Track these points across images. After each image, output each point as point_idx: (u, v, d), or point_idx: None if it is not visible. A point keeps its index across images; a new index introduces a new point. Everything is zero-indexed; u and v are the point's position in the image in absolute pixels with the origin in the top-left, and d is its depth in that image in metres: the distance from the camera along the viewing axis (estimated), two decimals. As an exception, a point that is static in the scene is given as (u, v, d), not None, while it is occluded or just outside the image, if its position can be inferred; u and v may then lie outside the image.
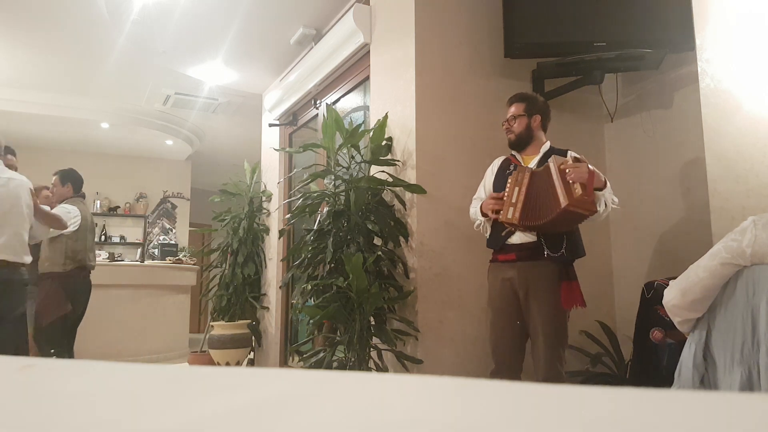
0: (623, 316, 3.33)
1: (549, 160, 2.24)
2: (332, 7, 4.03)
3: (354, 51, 3.74)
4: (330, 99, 4.32)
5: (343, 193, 3.04)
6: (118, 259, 6.74)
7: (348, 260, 2.63)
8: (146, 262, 6.69)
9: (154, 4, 4.00)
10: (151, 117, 6.91)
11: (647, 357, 2.73)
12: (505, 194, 2.31)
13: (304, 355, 3.03)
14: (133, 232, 8.33)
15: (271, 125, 5.29)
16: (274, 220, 5.09)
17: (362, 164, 3.16)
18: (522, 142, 2.46)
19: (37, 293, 3.68)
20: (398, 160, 3.12)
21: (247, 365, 4.92)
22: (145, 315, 5.73)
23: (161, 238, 8.41)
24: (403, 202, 3.03)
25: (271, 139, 5.44)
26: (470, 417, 0.26)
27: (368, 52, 3.65)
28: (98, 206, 8.02)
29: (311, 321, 2.87)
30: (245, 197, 5.20)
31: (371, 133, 3.09)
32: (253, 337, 5.04)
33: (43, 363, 0.38)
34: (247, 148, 6.89)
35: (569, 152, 2.38)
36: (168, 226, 8.57)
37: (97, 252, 6.71)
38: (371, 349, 2.80)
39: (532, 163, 2.42)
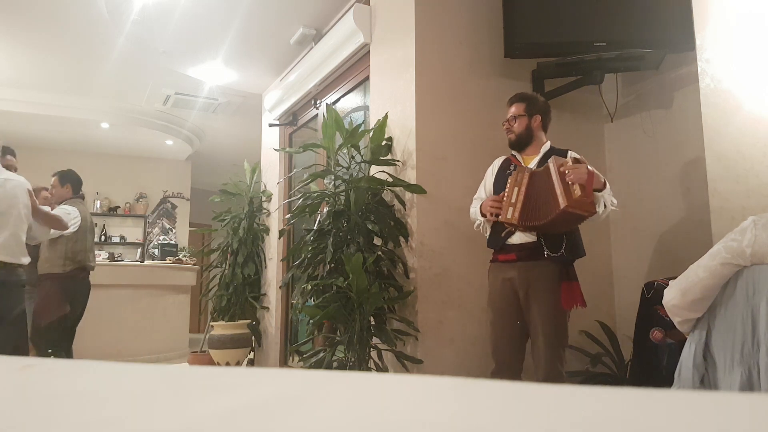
0: (623, 316, 3.33)
1: (549, 160, 2.24)
2: (332, 7, 4.03)
3: (354, 51, 3.74)
4: (330, 99, 4.32)
5: (343, 193, 3.04)
6: (118, 259, 6.74)
7: (348, 260, 2.63)
8: (146, 262, 6.69)
9: (154, 4, 4.00)
10: (151, 117, 6.91)
11: (647, 357, 2.73)
12: (505, 194, 2.31)
13: (304, 355, 3.03)
14: (133, 232, 8.33)
15: (271, 125, 5.29)
16: (274, 220, 5.09)
17: (362, 164, 3.16)
18: (522, 143, 2.46)
19: (36, 294, 3.68)
20: (398, 160, 3.12)
21: (247, 365, 4.92)
22: (145, 315, 5.73)
23: (161, 238, 8.41)
24: (403, 202, 3.03)
25: (271, 139, 5.44)
26: (470, 417, 0.26)
27: (368, 52, 3.65)
28: (98, 206, 8.02)
29: (311, 321, 2.87)
30: (245, 197, 5.20)
31: (371, 133, 3.09)
32: (253, 337, 5.04)
33: (43, 363, 0.38)
34: (247, 148, 6.89)
35: (569, 152, 2.38)
36: (168, 226, 8.57)
37: (97, 252, 6.72)
38: (371, 349, 2.80)
39: (533, 163, 2.42)
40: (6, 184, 3.09)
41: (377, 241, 2.99)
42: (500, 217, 2.30)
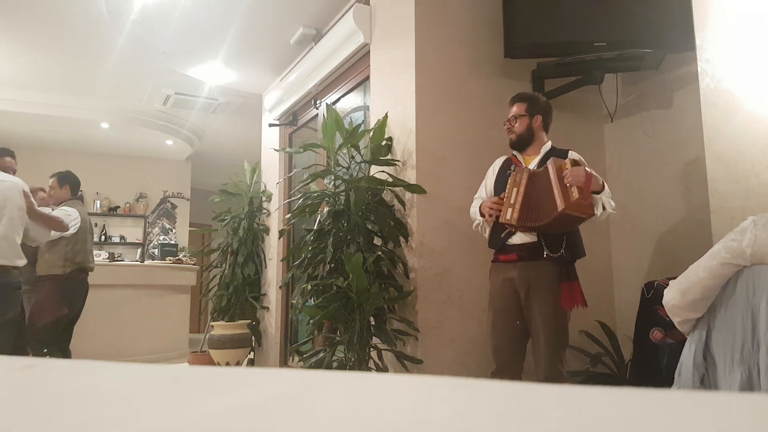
0: (623, 316, 3.33)
1: (547, 162, 2.25)
2: (332, 7, 4.03)
3: (354, 51, 3.74)
4: (330, 99, 4.32)
5: (343, 193, 3.04)
6: (118, 259, 6.74)
7: (348, 260, 2.63)
8: (146, 262, 6.69)
9: (154, 4, 4.00)
10: (151, 117, 6.91)
11: (647, 357, 2.73)
12: (505, 195, 2.32)
13: (304, 355, 3.03)
14: (133, 232, 8.32)
15: (271, 125, 5.29)
16: (274, 220, 5.09)
17: (362, 164, 3.16)
18: (523, 143, 2.46)
19: (35, 295, 3.68)
20: (398, 160, 3.12)
21: (247, 365, 4.92)
22: (145, 315, 5.73)
23: (161, 238, 8.41)
24: (403, 202, 3.03)
25: (271, 139, 5.44)
26: (470, 417, 0.26)
27: (368, 52, 3.65)
28: (98, 206, 8.02)
29: (311, 321, 2.87)
30: (245, 197, 5.20)
31: (371, 133, 3.09)
32: (253, 337, 5.04)
33: (43, 363, 0.38)
34: (247, 148, 6.89)
35: (570, 152, 2.39)
36: (168, 226, 8.57)
37: (97, 252, 6.73)
38: (371, 349, 2.80)
39: (533, 164, 2.43)
40: None
41: (377, 241, 2.99)
42: (500, 217, 2.30)
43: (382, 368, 2.83)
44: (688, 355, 1.61)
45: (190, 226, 8.78)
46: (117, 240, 8.13)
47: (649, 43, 2.99)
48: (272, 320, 4.90)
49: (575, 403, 0.28)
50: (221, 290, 5.02)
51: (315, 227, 3.14)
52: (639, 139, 3.39)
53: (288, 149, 4.97)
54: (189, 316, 6.58)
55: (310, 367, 2.84)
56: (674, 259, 3.10)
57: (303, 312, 3.15)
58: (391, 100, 3.26)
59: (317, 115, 4.56)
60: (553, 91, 3.27)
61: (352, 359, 2.70)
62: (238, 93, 5.82)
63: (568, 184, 2.13)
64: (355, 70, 3.95)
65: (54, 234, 3.62)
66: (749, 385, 1.43)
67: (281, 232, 4.33)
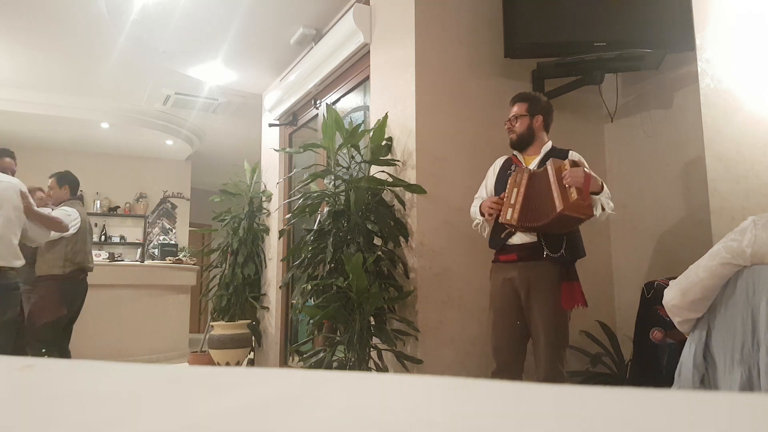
0: (623, 316, 3.33)
1: (547, 162, 2.25)
2: (332, 7, 4.03)
3: (354, 51, 3.74)
4: (330, 99, 4.32)
5: (343, 193, 3.04)
6: (118, 259, 6.74)
7: (348, 260, 2.63)
8: (146, 262, 6.69)
9: (154, 4, 4.00)
10: (151, 117, 6.91)
11: (647, 357, 2.73)
12: (505, 195, 2.32)
13: (304, 355, 3.03)
14: (133, 232, 8.32)
15: (271, 125, 5.29)
16: (274, 220, 5.09)
17: (362, 164, 3.16)
18: (523, 143, 2.46)
19: (34, 294, 3.67)
20: (398, 160, 3.12)
21: (247, 365, 4.92)
22: (145, 315, 5.73)
23: (161, 238, 8.41)
24: (403, 202, 3.03)
25: (271, 139, 5.44)
26: (470, 417, 0.26)
27: (368, 52, 3.65)
28: (98, 206, 8.02)
29: (311, 321, 2.87)
30: (245, 197, 5.20)
31: (371, 133, 3.09)
32: (253, 337, 5.04)
33: (43, 363, 0.38)
34: (247, 148, 6.89)
35: (570, 152, 2.39)
36: (168, 226, 8.57)
37: (97, 252, 6.72)
38: (371, 349, 2.80)
39: (533, 164, 2.43)
40: None
41: (377, 241, 2.99)
42: (500, 217, 2.31)
43: (382, 368, 2.83)
44: (688, 355, 1.61)
45: (190, 226, 8.78)
46: (117, 240, 8.13)
47: (649, 43, 2.99)
48: (272, 320, 4.90)
49: (575, 403, 0.28)
50: (221, 290, 5.02)
51: (315, 227, 3.14)
52: (639, 139, 3.39)
53: (288, 149, 4.97)
54: (189, 316, 6.58)
55: (310, 367, 2.84)
56: (674, 259, 3.10)
57: (303, 312, 3.15)
58: (391, 100, 3.26)
59: (317, 115, 4.56)
60: (553, 91, 3.27)
61: (352, 359, 2.70)
62: (238, 93, 5.82)
63: (567, 185, 2.14)
64: (355, 70, 3.95)
65: (53, 234, 3.61)
66: (749, 385, 1.43)
67: (281, 232, 4.33)
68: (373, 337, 2.81)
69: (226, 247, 5.15)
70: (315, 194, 3.17)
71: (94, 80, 5.84)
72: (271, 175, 5.30)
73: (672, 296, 1.65)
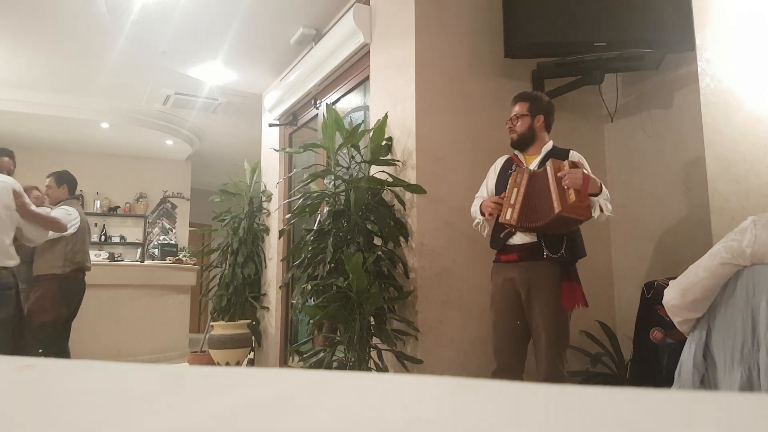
0: (623, 316, 3.33)
1: (546, 163, 2.25)
2: (332, 7, 4.03)
3: (354, 51, 3.74)
4: (330, 99, 4.32)
5: (343, 193, 3.04)
6: (118, 259, 6.74)
7: (348, 260, 2.63)
8: (146, 262, 6.69)
9: (154, 4, 4.00)
10: (151, 117, 6.91)
11: (647, 357, 2.73)
12: (505, 195, 2.32)
13: (304, 355, 3.03)
14: (133, 232, 8.32)
15: (271, 125, 5.29)
16: (274, 220, 5.09)
17: (362, 164, 3.16)
18: (524, 142, 2.46)
19: (33, 294, 3.66)
20: (398, 160, 3.12)
21: (247, 365, 4.92)
22: (145, 315, 5.73)
23: (161, 238, 8.41)
24: (403, 202, 3.03)
25: (271, 139, 5.44)
26: (470, 417, 0.26)
27: (368, 52, 3.65)
28: (98, 206, 8.02)
29: (311, 321, 2.87)
30: (245, 197, 5.20)
31: (371, 133, 3.09)
32: (253, 337, 5.04)
33: (43, 363, 0.38)
34: (247, 148, 6.89)
35: (571, 152, 2.39)
36: (168, 226, 8.57)
37: (97, 252, 6.73)
38: (371, 349, 2.80)
39: (534, 164, 2.43)
40: None
41: (377, 241, 2.99)
42: (500, 217, 2.31)
43: (382, 368, 2.83)
44: (688, 355, 1.61)
45: (190, 226, 8.78)
46: (117, 240, 8.13)
47: (649, 43, 2.99)
48: (272, 320, 4.90)
49: (575, 403, 0.28)
50: (221, 290, 5.02)
51: (315, 227, 3.13)
52: (639, 139, 3.39)
53: (288, 149, 4.97)
54: (189, 316, 6.58)
55: (310, 367, 2.84)
56: (674, 259, 3.10)
57: (303, 312, 3.15)
58: (391, 100, 3.26)
59: (317, 115, 4.56)
60: (553, 91, 3.26)
61: (352, 359, 2.70)
62: (238, 93, 5.82)
63: (565, 187, 2.14)
64: (355, 70, 3.95)
65: (51, 234, 3.60)
66: (749, 385, 1.43)
67: (281, 232, 4.33)
68: (373, 337, 2.81)
69: (226, 247, 5.15)
70: (315, 194, 3.17)
71: (94, 80, 5.84)
72: (271, 175, 5.30)
73: (672, 296, 1.65)
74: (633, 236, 3.38)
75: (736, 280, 1.52)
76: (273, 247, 5.02)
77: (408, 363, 2.75)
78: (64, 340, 3.88)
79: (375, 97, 3.48)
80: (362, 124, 3.54)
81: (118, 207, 8.25)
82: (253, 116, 5.99)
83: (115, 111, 6.72)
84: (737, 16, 2.07)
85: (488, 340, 2.49)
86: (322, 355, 2.82)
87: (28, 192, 3.61)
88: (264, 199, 5.29)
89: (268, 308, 4.99)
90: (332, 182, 3.13)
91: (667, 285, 1.71)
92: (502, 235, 2.38)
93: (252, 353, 5.15)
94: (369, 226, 2.86)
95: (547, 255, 2.27)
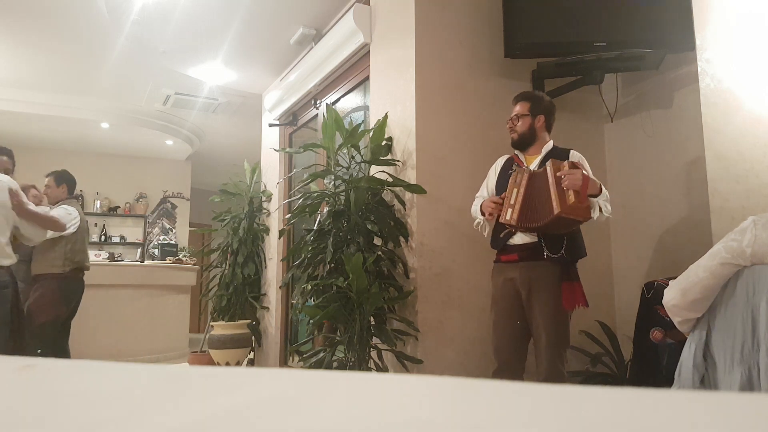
0: (623, 316, 3.33)
1: (546, 164, 2.25)
2: (332, 7, 4.03)
3: (354, 51, 3.74)
4: (330, 99, 4.32)
5: (343, 193, 3.04)
6: (118, 259, 6.74)
7: (348, 260, 2.63)
8: (146, 262, 6.69)
9: (154, 4, 4.00)
10: (151, 117, 6.91)
11: (647, 357, 2.73)
12: (505, 195, 2.32)
13: (304, 355, 3.03)
14: (133, 232, 8.32)
15: (271, 125, 5.29)
16: (274, 220, 5.09)
17: (362, 164, 3.16)
18: (524, 142, 2.46)
19: (33, 293, 3.66)
20: (398, 160, 3.12)
21: (247, 365, 4.92)
22: (145, 315, 5.73)
23: (161, 238, 8.41)
24: (403, 202, 3.03)
25: (271, 139, 5.44)
26: (470, 417, 0.26)
27: (368, 52, 3.65)
28: (98, 206, 8.02)
29: (311, 321, 2.86)
30: (245, 197, 5.20)
31: (371, 133, 3.09)
32: (253, 337, 5.04)
33: (43, 363, 0.38)
34: (247, 148, 6.89)
35: (572, 152, 2.39)
36: (168, 226, 8.57)
37: (97, 252, 6.73)
38: (371, 349, 2.80)
39: (534, 164, 2.43)
40: None
41: (377, 241, 2.99)
42: (500, 217, 2.31)
43: (382, 368, 2.83)
44: (688, 355, 1.61)
45: (190, 226, 8.78)
46: (117, 240, 8.13)
47: (649, 43, 2.99)
48: (272, 320, 4.90)
49: (575, 403, 0.28)
50: (221, 290, 5.02)
51: (315, 227, 3.13)
52: (639, 139, 3.39)
53: (288, 149, 4.97)
54: (189, 316, 6.58)
55: (310, 367, 2.84)
56: (674, 259, 3.10)
57: (303, 312, 3.15)
58: (391, 100, 3.26)
59: (317, 115, 4.56)
60: (553, 91, 3.26)
61: (352, 359, 2.70)
62: (238, 93, 5.82)
63: (564, 188, 2.14)
64: (355, 70, 3.95)
65: (50, 233, 3.60)
66: (749, 385, 1.43)
67: (281, 232, 4.33)
68: (373, 337, 2.81)
69: (226, 247, 5.15)
70: (315, 194, 3.17)
71: (94, 80, 5.85)
72: (271, 175, 5.30)
73: (672, 296, 1.65)
74: (633, 236, 3.38)
75: (736, 280, 1.52)
76: (273, 247, 5.02)
77: (408, 363, 2.75)
78: (64, 339, 3.88)
79: (375, 97, 3.48)
80: (362, 124, 3.54)
81: (118, 207, 8.25)
82: (253, 116, 5.99)
83: (115, 111, 6.72)
84: (737, 16, 2.07)
85: (488, 340, 2.49)
86: (322, 355, 2.82)
87: (26, 191, 3.60)
88: (264, 199, 5.29)
89: (268, 308, 4.99)
90: (332, 182, 3.13)
91: (667, 285, 1.71)
92: (502, 235, 2.38)
93: (252, 353, 5.15)
94: (369, 226, 2.86)
95: (547, 255, 2.27)
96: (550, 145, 2.46)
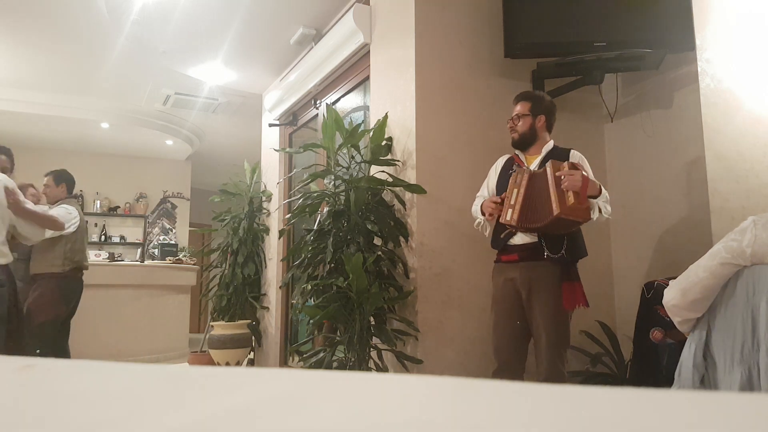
0: (623, 316, 3.33)
1: (546, 164, 2.25)
2: (332, 7, 4.03)
3: (354, 51, 3.74)
4: (330, 99, 4.32)
5: (343, 193, 3.04)
6: (118, 259, 6.74)
7: (348, 260, 2.63)
8: (146, 262, 6.69)
9: (154, 4, 4.00)
10: (151, 117, 6.91)
11: (647, 357, 2.73)
12: (506, 195, 2.32)
13: (304, 355, 3.03)
14: (133, 232, 8.32)
15: (271, 125, 5.29)
16: (274, 220, 5.09)
17: (362, 164, 3.16)
18: (525, 142, 2.46)
19: (32, 293, 3.65)
20: (398, 160, 3.12)
21: (247, 365, 4.92)
22: (145, 315, 5.73)
23: (161, 238, 8.41)
24: (403, 202, 3.03)
25: (271, 139, 5.44)
26: (470, 417, 0.26)
27: (368, 52, 3.65)
28: (98, 206, 8.02)
29: (311, 321, 2.86)
30: (245, 197, 5.20)
31: (371, 133, 3.09)
32: (253, 337, 5.04)
33: (43, 363, 0.38)
34: (247, 148, 6.89)
35: (572, 152, 2.39)
36: (168, 226, 8.57)
37: (97, 252, 6.73)
38: (371, 349, 2.80)
39: (535, 164, 2.43)
40: None
41: (377, 241, 2.99)
42: (500, 218, 2.31)
43: (382, 368, 2.83)
44: (688, 355, 1.61)
45: (190, 226, 8.78)
46: (117, 240, 8.13)
47: (649, 43, 2.99)
48: (272, 320, 4.90)
49: (575, 403, 0.28)
50: (221, 290, 5.02)
51: (315, 227, 3.13)
52: (639, 139, 3.39)
53: (288, 149, 4.97)
54: (189, 316, 6.58)
55: (310, 367, 2.84)
56: (674, 259, 3.10)
57: (303, 312, 3.15)
58: (391, 100, 3.26)
59: (317, 115, 4.56)
60: (553, 91, 3.26)
61: (352, 359, 2.70)
62: (238, 93, 5.81)
63: (564, 189, 2.14)
64: (355, 70, 3.95)
65: (50, 232, 3.59)
66: (749, 385, 1.43)
67: (281, 232, 4.33)
68: (373, 337, 2.81)
69: (226, 247, 5.15)
70: (315, 194, 3.17)
71: (94, 80, 5.84)
72: (271, 175, 5.30)
73: (672, 296, 1.65)
74: (633, 236, 3.38)
75: (736, 280, 1.52)
76: (273, 247, 5.02)
77: (408, 363, 2.75)
78: (64, 339, 3.88)
79: (375, 97, 3.48)
80: (362, 124, 3.54)
81: (118, 207, 8.25)
82: (253, 116, 5.99)
83: (115, 111, 6.72)
84: (737, 16, 2.07)
85: (488, 340, 2.49)
86: (322, 355, 2.82)
87: (24, 190, 3.59)
88: (264, 199, 5.29)
89: (268, 308, 4.99)
90: (332, 182, 3.13)
91: (667, 285, 1.71)
92: (502, 236, 2.38)
93: (252, 353, 5.15)
94: (369, 226, 2.86)
95: (547, 255, 2.27)
96: (550, 145, 2.46)
